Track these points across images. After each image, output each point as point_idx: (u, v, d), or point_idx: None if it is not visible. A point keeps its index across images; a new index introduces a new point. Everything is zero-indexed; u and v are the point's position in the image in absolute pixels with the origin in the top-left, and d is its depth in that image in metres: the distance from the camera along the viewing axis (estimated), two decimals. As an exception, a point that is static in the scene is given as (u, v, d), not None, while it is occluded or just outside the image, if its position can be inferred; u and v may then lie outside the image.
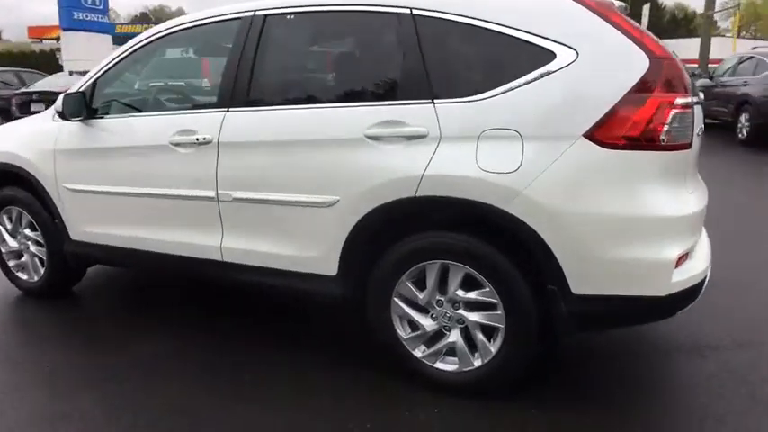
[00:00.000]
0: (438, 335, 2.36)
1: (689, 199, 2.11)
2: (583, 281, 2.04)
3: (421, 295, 2.32)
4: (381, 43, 2.40)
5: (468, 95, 2.15)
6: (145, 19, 38.62)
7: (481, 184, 2.08)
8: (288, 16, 2.57)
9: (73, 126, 3.03)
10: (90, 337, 2.99)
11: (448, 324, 2.32)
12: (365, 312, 2.47)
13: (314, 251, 2.46)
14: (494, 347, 2.24)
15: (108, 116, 2.98)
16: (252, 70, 2.56)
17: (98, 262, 3.32)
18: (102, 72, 3.02)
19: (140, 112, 3.01)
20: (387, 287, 2.36)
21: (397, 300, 2.37)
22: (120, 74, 3.06)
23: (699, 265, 2.16)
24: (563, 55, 2.05)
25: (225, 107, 2.60)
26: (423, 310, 2.36)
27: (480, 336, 2.26)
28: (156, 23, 3.47)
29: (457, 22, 2.21)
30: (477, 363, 2.29)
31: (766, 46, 15.62)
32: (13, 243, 3.51)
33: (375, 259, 2.37)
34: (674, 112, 1.97)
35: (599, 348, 2.72)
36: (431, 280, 2.29)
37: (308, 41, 2.68)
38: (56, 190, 3.14)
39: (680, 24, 47.77)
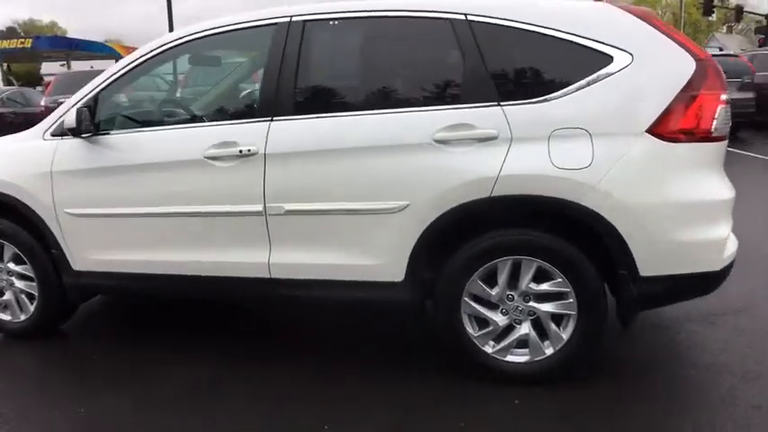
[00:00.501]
0: (508, 329, 2.44)
1: (728, 183, 2.38)
2: (650, 264, 2.23)
3: (493, 292, 2.39)
4: (437, 48, 2.45)
5: (534, 97, 2.27)
6: (13, 34, 34.64)
7: (557, 181, 2.21)
8: (331, 22, 2.54)
9: (74, 144, 2.75)
10: (109, 374, 2.72)
11: (519, 317, 2.41)
12: (433, 314, 2.50)
13: (379, 258, 2.45)
14: (565, 334, 2.37)
15: (120, 131, 2.73)
16: (296, 77, 2.49)
17: (105, 292, 3.04)
18: (106, 84, 2.77)
19: (161, 124, 2.79)
20: (457, 287, 2.41)
21: (467, 299, 2.42)
22: (129, 85, 2.83)
23: (733, 241, 2.44)
24: (620, 58, 2.23)
25: (268, 116, 2.51)
26: (493, 306, 2.43)
27: (552, 325, 2.38)
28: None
29: (513, 27, 2.32)
30: (549, 351, 2.41)
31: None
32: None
33: (444, 261, 2.41)
34: (720, 107, 2.22)
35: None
36: (502, 276, 2.37)
37: (356, 47, 2.65)
38: (53, 216, 2.83)
39: None
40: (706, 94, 2.20)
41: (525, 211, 2.32)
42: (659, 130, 2.18)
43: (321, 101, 2.55)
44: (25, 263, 3.00)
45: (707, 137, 2.21)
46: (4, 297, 3.10)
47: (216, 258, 2.65)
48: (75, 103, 2.77)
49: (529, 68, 2.35)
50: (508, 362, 2.46)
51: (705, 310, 3.04)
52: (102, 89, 2.77)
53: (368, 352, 2.82)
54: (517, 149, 2.25)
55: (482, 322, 2.46)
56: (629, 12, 2.32)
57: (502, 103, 2.29)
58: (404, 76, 2.56)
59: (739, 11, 27.45)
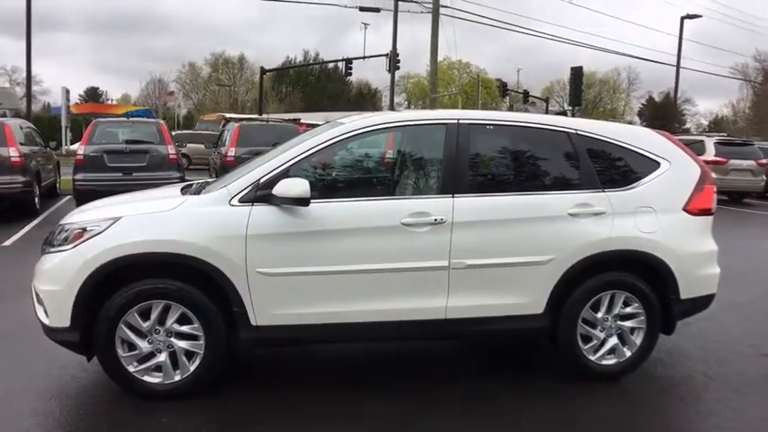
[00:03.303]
0: (603, 342, 3.58)
1: None
2: (686, 290, 3.61)
3: (598, 315, 3.52)
4: (561, 151, 3.57)
5: (623, 186, 3.55)
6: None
7: (642, 240, 3.48)
8: (487, 126, 3.49)
9: (270, 210, 3.11)
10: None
11: (611, 331, 3.57)
12: (556, 336, 3.50)
13: (528, 298, 3.39)
14: (638, 341, 3.60)
15: (322, 200, 3.18)
16: (468, 164, 3.36)
17: (281, 344, 3.29)
18: (301, 158, 3.22)
19: (360, 196, 3.30)
20: (576, 313, 3.48)
21: (581, 322, 3.50)
22: (323, 159, 3.30)
23: None
24: (663, 164, 3.65)
25: (450, 193, 3.30)
26: (593, 325, 3.54)
27: (631, 336, 3.58)
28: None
29: (605, 140, 3.59)
30: (628, 354, 3.59)
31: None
32: (143, 345, 3.11)
33: (569, 295, 3.46)
34: (714, 193, 3.76)
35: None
36: (604, 305, 3.52)
37: (504, 145, 3.59)
38: (243, 276, 3.09)
39: (365, 98, 57.42)
40: (709, 187, 3.72)
41: (621, 261, 3.52)
42: (687, 208, 3.63)
43: (488, 183, 3.45)
44: (190, 323, 3.13)
45: (710, 212, 3.73)
46: (158, 359, 3.13)
47: (400, 306, 3.26)
48: (272, 172, 3.15)
49: (616, 167, 3.62)
50: (601, 364, 3.57)
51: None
52: (294, 163, 3.21)
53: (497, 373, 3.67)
54: (618, 221, 3.47)
55: (587, 339, 3.55)
56: (660, 134, 3.78)
57: (606, 190, 3.51)
58: (541, 168, 3.62)
59: (526, 93, 35.51)
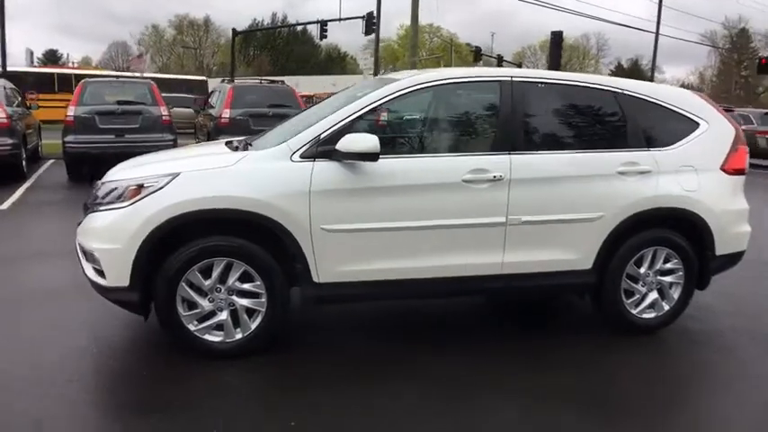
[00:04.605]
0: (644, 296, 3.70)
1: None
2: (721, 246, 3.75)
3: (641, 270, 3.64)
4: (609, 110, 3.61)
5: (666, 146, 3.62)
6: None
7: (685, 198, 3.58)
8: (539, 84, 3.49)
9: (332, 166, 3.08)
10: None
11: (652, 286, 3.70)
12: (601, 291, 3.61)
13: (578, 254, 3.48)
14: (675, 295, 3.73)
15: (382, 156, 3.13)
16: (523, 122, 3.38)
17: (341, 301, 3.30)
18: (361, 113, 3.19)
19: (420, 152, 3.28)
20: (621, 268, 3.59)
21: (625, 277, 3.61)
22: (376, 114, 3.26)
23: None
24: (702, 124, 3.74)
25: (506, 151, 3.32)
26: (635, 280, 3.66)
27: (670, 290, 3.72)
28: None
29: (650, 101, 3.65)
30: (666, 308, 3.73)
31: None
32: (204, 303, 3.07)
33: (615, 251, 3.55)
34: (747, 154, 3.89)
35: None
36: (647, 260, 3.64)
37: (555, 103, 3.60)
38: (307, 233, 3.07)
39: (335, 62, 56.36)
40: (742, 147, 3.84)
41: (664, 218, 3.63)
42: (724, 168, 3.74)
43: (541, 141, 3.47)
44: (252, 280, 3.10)
45: (743, 172, 3.85)
46: (219, 318, 3.11)
47: (458, 262, 3.30)
48: (332, 128, 3.10)
49: (660, 127, 3.69)
50: (642, 318, 3.71)
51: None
52: (354, 119, 3.17)
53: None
54: (662, 179, 3.56)
55: (629, 294, 3.67)
56: (698, 95, 3.86)
57: (651, 149, 3.58)
58: (590, 127, 3.66)
59: (500, 58, 35.54)
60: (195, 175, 3.04)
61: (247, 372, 3.05)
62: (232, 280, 3.09)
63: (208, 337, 3.13)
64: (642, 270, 3.65)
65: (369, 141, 2.98)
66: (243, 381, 2.98)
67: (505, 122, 3.38)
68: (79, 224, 3.32)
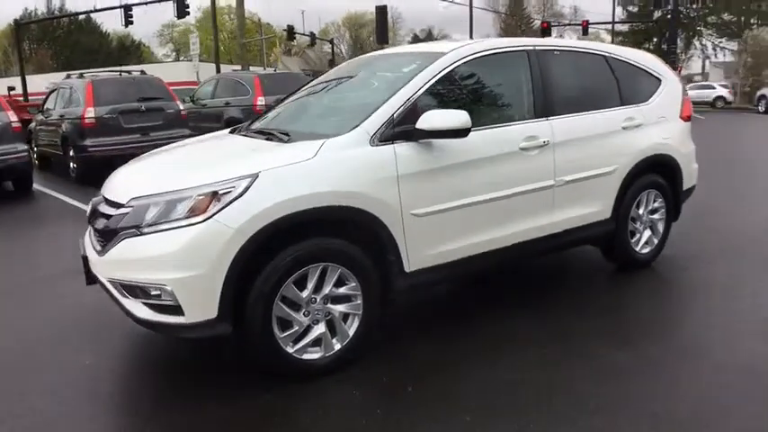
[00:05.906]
0: (641, 234, 4.20)
1: None
2: (686, 181, 4.39)
3: (640, 212, 4.10)
4: (602, 71, 3.95)
5: (646, 101, 4.11)
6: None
7: (665, 145, 4.13)
8: (555, 52, 3.68)
9: (411, 147, 2.91)
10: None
11: (646, 225, 4.20)
12: (614, 236, 3.99)
13: (602, 205, 3.80)
14: (661, 228, 4.30)
15: None
16: (552, 88, 3.54)
17: (429, 285, 3.13)
18: (424, 89, 3.03)
19: (482, 124, 3.17)
20: (628, 213, 3.99)
21: (633, 216, 4.05)
22: (438, 89, 3.11)
23: None
24: (663, 81, 4.31)
25: (544, 116, 3.46)
26: (635, 221, 4.12)
27: (657, 226, 4.27)
28: None
29: (625, 61, 4.10)
30: (656, 241, 4.29)
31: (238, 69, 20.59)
32: (301, 318, 2.69)
33: (624, 199, 3.95)
34: (690, 102, 4.58)
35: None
36: (643, 202, 4.11)
37: (568, 68, 3.76)
38: (399, 220, 2.86)
39: (129, 51, 50.62)
40: (687, 97, 4.52)
41: (652, 164, 4.11)
42: (682, 116, 4.38)
43: (566, 104, 3.64)
44: (345, 283, 2.80)
45: (690, 118, 4.54)
46: (317, 331, 2.75)
47: (522, 227, 3.38)
48: (401, 107, 2.91)
49: (640, 84, 4.15)
50: (642, 254, 4.20)
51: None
52: (420, 95, 3.00)
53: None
54: (649, 131, 4.04)
55: (632, 234, 4.12)
56: (659, 59, 4.44)
57: (639, 105, 4.03)
58: (597, 88, 3.94)
59: (313, 36, 35.07)
60: (279, 174, 2.61)
61: (338, 381, 2.76)
62: (329, 287, 2.75)
63: (306, 356, 2.75)
64: (640, 211, 4.11)
65: (461, 117, 2.85)
66: (335, 390, 2.69)
67: (539, 89, 3.50)
68: (97, 253, 2.67)
